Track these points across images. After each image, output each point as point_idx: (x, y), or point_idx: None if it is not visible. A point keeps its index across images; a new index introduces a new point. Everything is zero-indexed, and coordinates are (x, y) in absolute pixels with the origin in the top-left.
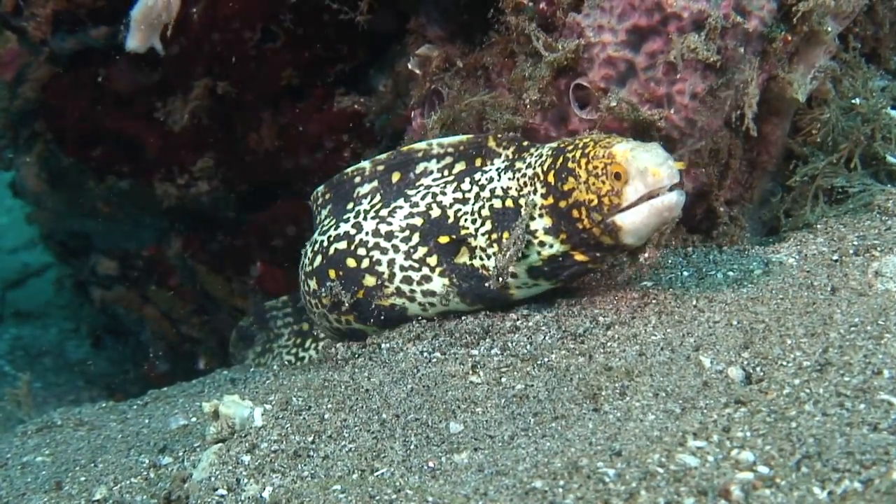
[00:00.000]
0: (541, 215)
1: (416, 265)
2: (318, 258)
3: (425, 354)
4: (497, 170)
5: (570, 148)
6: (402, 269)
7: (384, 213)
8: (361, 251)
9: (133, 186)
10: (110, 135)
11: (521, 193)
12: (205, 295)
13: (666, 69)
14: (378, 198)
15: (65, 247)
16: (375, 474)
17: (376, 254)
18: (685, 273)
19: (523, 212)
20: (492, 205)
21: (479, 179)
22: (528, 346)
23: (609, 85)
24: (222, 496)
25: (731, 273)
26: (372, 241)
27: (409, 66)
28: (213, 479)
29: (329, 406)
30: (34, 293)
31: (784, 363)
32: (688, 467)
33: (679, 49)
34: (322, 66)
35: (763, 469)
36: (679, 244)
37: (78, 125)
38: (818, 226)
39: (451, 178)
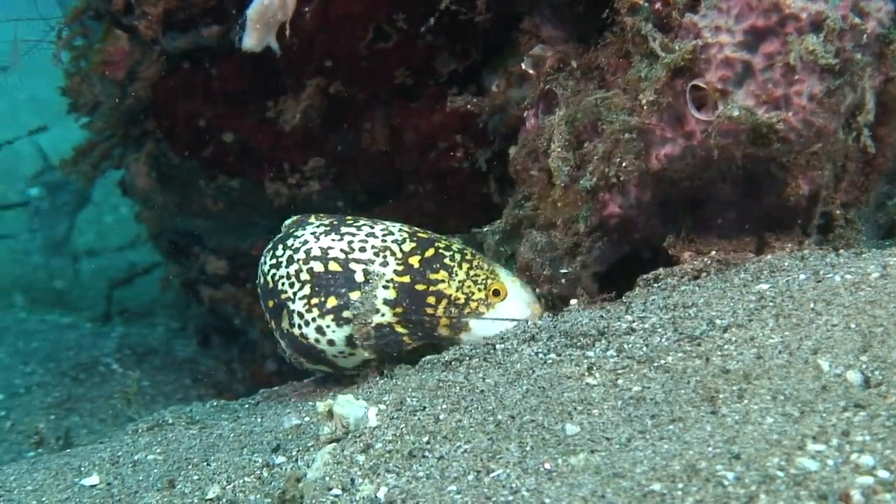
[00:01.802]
0: (386, 287)
1: (275, 328)
2: None
3: (540, 356)
4: (312, 234)
5: (442, 245)
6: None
7: None
8: None
9: (243, 185)
10: (221, 134)
11: (350, 258)
12: None
13: (783, 70)
14: None
15: (173, 245)
16: (491, 475)
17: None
18: (801, 276)
19: (370, 279)
20: (311, 268)
21: (292, 244)
22: (644, 348)
23: (726, 86)
24: (337, 496)
25: (847, 276)
26: None
27: (523, 67)
28: (327, 478)
29: (444, 407)
30: (141, 292)
31: None
32: (807, 471)
33: (797, 50)
34: (434, 66)
35: (883, 473)
36: (795, 247)
37: (188, 124)
38: None
39: (270, 245)
